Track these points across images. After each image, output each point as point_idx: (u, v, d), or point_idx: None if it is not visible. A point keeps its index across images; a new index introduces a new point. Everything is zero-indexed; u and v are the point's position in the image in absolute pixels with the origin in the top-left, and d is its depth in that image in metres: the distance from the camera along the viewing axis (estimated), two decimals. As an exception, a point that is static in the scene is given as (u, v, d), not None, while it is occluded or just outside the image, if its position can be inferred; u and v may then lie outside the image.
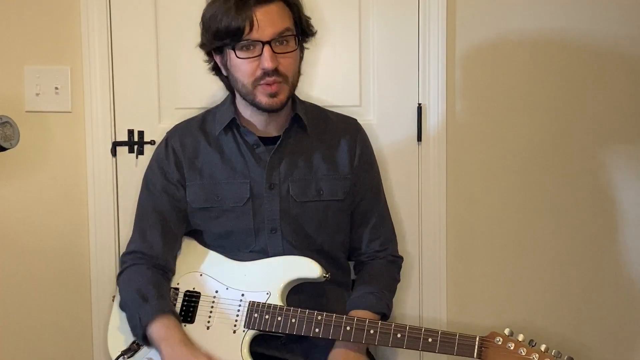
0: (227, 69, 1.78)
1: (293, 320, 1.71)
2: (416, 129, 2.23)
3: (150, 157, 1.94)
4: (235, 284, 1.79)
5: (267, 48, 1.69)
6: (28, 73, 2.19)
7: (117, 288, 1.85)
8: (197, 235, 1.91)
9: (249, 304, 1.75)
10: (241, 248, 1.84)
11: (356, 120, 1.98)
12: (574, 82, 2.22)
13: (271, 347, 1.80)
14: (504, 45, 2.22)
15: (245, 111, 1.84)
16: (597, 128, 2.24)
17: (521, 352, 1.59)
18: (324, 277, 1.76)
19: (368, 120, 2.21)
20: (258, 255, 1.82)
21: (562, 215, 2.26)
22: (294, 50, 1.75)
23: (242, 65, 1.72)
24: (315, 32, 1.82)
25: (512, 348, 1.60)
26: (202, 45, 1.81)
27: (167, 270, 1.83)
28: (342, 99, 2.22)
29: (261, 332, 1.75)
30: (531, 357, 1.59)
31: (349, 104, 2.22)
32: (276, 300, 1.75)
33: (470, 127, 2.24)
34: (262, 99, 1.74)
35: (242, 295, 1.77)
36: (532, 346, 1.60)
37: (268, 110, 1.77)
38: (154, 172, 1.89)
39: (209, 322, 1.78)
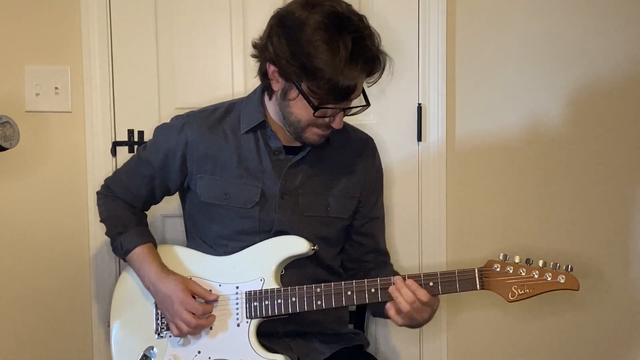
0: (284, 94, 1.70)
1: (293, 299, 1.72)
2: (416, 129, 2.23)
3: (159, 128, 1.91)
4: (227, 279, 1.80)
5: (341, 113, 1.69)
6: (28, 73, 2.18)
7: (98, 204, 1.98)
8: (190, 237, 1.95)
9: (246, 294, 1.76)
10: (244, 248, 1.83)
11: (373, 140, 1.97)
12: (574, 81, 2.22)
13: (270, 342, 1.80)
14: (504, 45, 2.22)
15: (275, 116, 1.79)
16: (599, 128, 2.24)
17: (521, 273, 1.61)
18: (313, 249, 1.77)
19: (368, 120, 2.21)
20: None
21: (563, 214, 2.26)
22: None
23: (307, 111, 1.67)
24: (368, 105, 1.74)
25: (511, 271, 1.62)
26: (279, 67, 1.66)
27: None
28: (342, 99, 2.22)
29: (265, 319, 1.75)
30: (531, 275, 1.61)
31: (349, 104, 2.22)
32: (271, 284, 1.75)
33: (470, 127, 2.24)
34: (312, 138, 1.74)
35: (237, 287, 1.78)
36: (530, 264, 1.61)
37: (311, 146, 1.78)
38: (158, 151, 1.88)
39: None
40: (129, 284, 1.91)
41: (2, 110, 2.08)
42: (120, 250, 1.88)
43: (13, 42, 2.17)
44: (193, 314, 1.74)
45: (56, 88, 2.21)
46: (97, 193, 2.01)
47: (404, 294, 1.63)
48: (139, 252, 1.85)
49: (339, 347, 1.88)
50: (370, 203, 1.92)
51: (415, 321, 1.67)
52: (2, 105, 2.13)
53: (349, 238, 1.95)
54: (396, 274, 1.88)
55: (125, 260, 1.91)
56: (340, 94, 1.63)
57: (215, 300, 1.78)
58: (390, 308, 1.66)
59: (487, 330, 2.30)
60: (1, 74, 2.17)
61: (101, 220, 1.97)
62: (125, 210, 1.93)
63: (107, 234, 1.94)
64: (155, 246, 1.90)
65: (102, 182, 2.01)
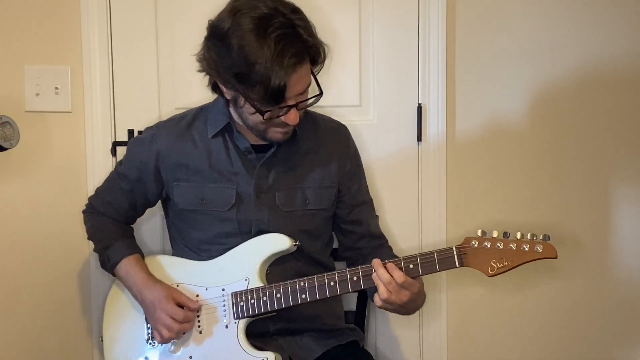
0: (235, 103, 1.70)
1: (278, 295, 1.73)
2: (416, 129, 2.23)
3: (131, 142, 1.97)
4: (212, 283, 1.81)
5: (294, 109, 1.67)
6: (28, 73, 2.18)
7: (84, 219, 2.02)
8: (175, 245, 1.97)
9: (232, 295, 1.77)
10: (228, 250, 1.84)
11: (346, 127, 1.96)
12: (575, 81, 2.22)
13: (262, 342, 1.81)
14: (504, 45, 2.22)
15: (238, 120, 1.80)
16: (599, 127, 2.24)
17: (499, 246, 1.62)
18: (295, 245, 1.78)
19: (368, 120, 2.21)
20: None
21: (564, 215, 2.26)
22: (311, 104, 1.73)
23: (258, 115, 1.66)
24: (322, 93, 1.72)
25: (489, 246, 1.62)
26: (217, 79, 1.69)
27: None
28: (342, 99, 2.22)
29: (252, 317, 1.77)
30: (509, 247, 1.61)
31: (349, 104, 2.22)
32: (256, 283, 1.77)
33: (470, 126, 2.24)
34: (277, 136, 1.74)
35: (223, 290, 1.79)
36: (507, 237, 1.62)
37: (278, 143, 1.79)
38: (132, 165, 1.91)
39: (199, 326, 1.80)
40: (118, 296, 1.93)
41: (2, 110, 2.08)
42: (108, 263, 1.90)
43: (13, 42, 2.17)
44: (174, 319, 1.75)
45: (56, 88, 2.21)
46: (82, 212, 2.03)
47: (380, 274, 1.64)
48: (126, 263, 1.87)
49: (332, 345, 1.88)
50: (352, 190, 1.92)
51: (394, 304, 1.66)
52: (2, 105, 2.13)
53: (339, 228, 1.95)
54: (394, 256, 1.89)
55: (114, 275, 1.92)
56: (276, 94, 1.60)
57: (198, 309, 1.79)
58: (375, 293, 1.67)
59: (489, 318, 2.31)
60: (1, 74, 2.17)
61: (88, 238, 2.00)
62: (109, 225, 1.95)
63: (94, 250, 1.97)
64: (143, 257, 1.92)
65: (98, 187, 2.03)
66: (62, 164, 2.24)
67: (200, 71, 1.73)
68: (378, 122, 2.24)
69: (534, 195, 2.26)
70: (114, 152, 2.25)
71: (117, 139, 2.25)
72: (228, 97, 1.71)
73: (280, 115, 1.67)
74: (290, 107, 1.66)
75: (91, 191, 2.21)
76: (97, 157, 2.24)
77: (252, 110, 1.66)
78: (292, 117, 1.68)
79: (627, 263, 2.28)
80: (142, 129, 2.23)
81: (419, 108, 2.23)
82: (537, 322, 2.31)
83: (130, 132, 2.25)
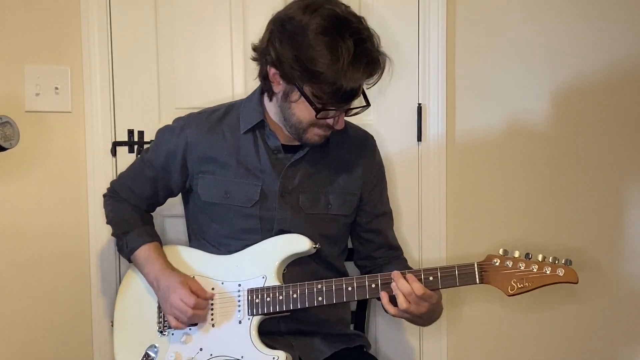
0: (286, 96, 1.71)
1: (294, 296, 1.74)
2: (416, 129, 2.23)
3: (160, 130, 1.94)
4: (229, 277, 1.81)
5: (342, 114, 1.71)
6: (28, 73, 2.18)
7: (105, 204, 2.01)
8: (194, 238, 1.96)
9: (248, 291, 1.78)
10: (247, 247, 1.84)
11: (373, 137, 1.98)
12: (574, 81, 2.22)
13: (272, 340, 1.81)
14: (504, 45, 2.22)
15: (275, 116, 1.80)
16: (596, 126, 2.24)
17: (520, 267, 1.62)
18: (314, 247, 1.78)
19: (368, 120, 2.21)
20: None
21: (561, 210, 2.26)
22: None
23: (309, 112, 1.69)
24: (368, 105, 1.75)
25: (510, 265, 1.63)
26: (281, 70, 1.67)
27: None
28: (342, 99, 2.22)
29: (266, 316, 1.77)
30: (530, 269, 1.62)
31: (348, 104, 2.22)
32: (273, 281, 1.77)
33: (470, 127, 2.24)
34: (313, 138, 1.76)
35: (239, 285, 1.79)
36: (529, 259, 1.62)
37: (311, 146, 1.80)
38: (159, 153, 1.90)
39: (212, 319, 1.80)
40: (133, 282, 1.92)
41: (2, 110, 2.09)
42: (126, 249, 1.90)
43: (13, 42, 2.17)
44: (186, 304, 1.76)
45: (56, 88, 2.21)
46: (103, 196, 2.03)
47: (400, 285, 1.65)
48: (145, 250, 1.87)
49: (340, 347, 1.89)
50: (373, 200, 1.93)
51: (411, 314, 1.67)
52: (2, 105, 2.13)
53: (358, 236, 1.96)
54: (409, 268, 1.90)
55: (130, 261, 1.93)
56: (344, 96, 1.64)
57: (211, 298, 1.80)
58: (383, 296, 1.68)
59: (487, 325, 2.30)
60: (1, 74, 2.17)
61: (107, 222, 2.00)
62: (130, 211, 1.96)
63: (113, 234, 1.97)
64: (161, 245, 1.92)
65: (104, 183, 2.04)
66: (62, 164, 2.24)
67: (255, 59, 1.75)
68: (378, 122, 2.24)
69: (534, 194, 2.26)
70: (114, 152, 2.25)
71: (117, 139, 2.25)
72: (277, 90, 1.72)
73: (330, 117, 1.70)
74: (342, 110, 1.69)
75: (92, 191, 2.23)
76: (97, 157, 2.24)
77: (305, 106, 1.67)
78: (341, 122, 1.72)
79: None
80: (142, 129, 2.24)
81: (419, 108, 2.23)
82: (540, 341, 2.30)
83: (130, 132, 2.25)
